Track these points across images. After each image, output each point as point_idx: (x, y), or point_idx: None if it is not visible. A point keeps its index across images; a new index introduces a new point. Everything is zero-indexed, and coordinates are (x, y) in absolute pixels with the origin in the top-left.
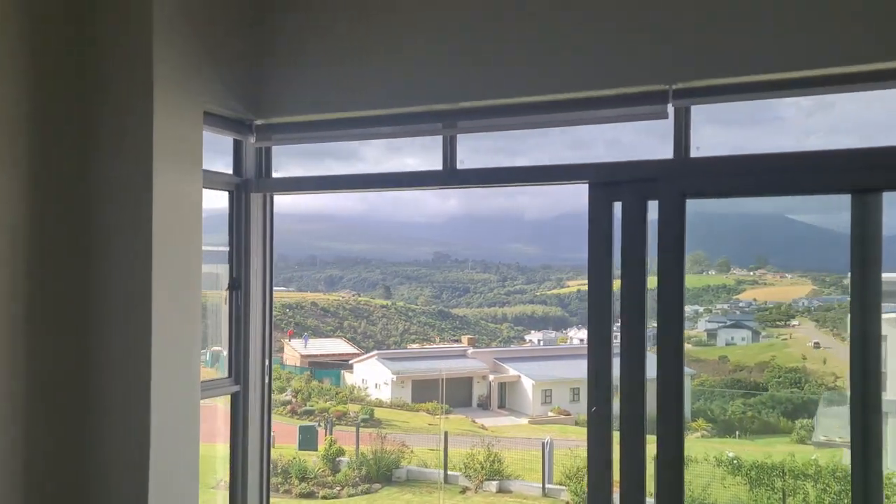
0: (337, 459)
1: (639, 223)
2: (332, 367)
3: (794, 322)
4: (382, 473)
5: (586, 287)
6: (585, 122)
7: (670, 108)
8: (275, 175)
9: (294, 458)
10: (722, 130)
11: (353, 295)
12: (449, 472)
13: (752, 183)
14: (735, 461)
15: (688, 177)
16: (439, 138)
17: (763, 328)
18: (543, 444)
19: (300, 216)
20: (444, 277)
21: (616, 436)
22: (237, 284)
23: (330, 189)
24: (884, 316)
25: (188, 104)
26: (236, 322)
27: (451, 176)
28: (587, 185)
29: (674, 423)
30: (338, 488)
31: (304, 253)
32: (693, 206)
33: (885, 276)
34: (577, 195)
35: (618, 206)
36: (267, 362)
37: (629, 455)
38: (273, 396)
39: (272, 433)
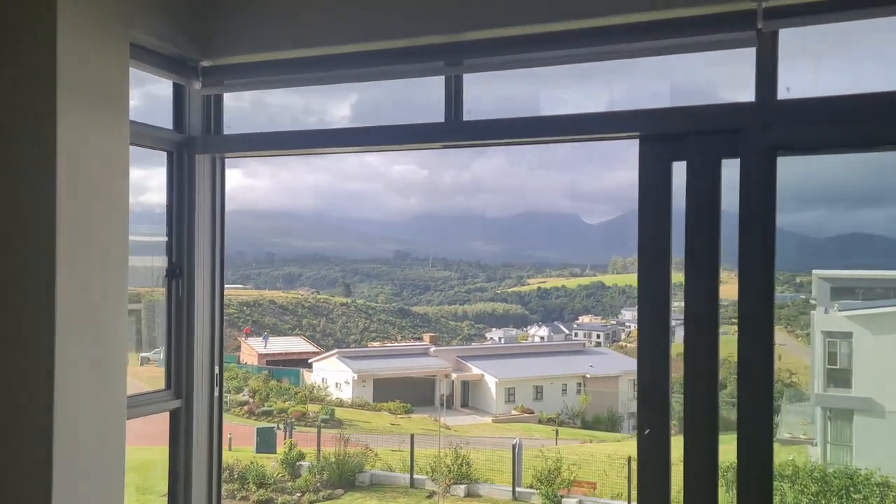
0: (297, 464)
1: (710, 189)
2: (291, 365)
3: None
4: (345, 478)
5: (547, 285)
6: (643, 53)
7: (757, 33)
8: (227, 132)
9: (251, 463)
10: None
11: (313, 293)
12: (415, 476)
13: (866, 132)
14: None
15: (779, 125)
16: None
17: (721, 325)
18: (514, 445)
19: (258, 213)
20: (405, 275)
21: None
22: (177, 272)
23: (300, 148)
24: (849, 313)
25: (108, 29)
26: (176, 319)
27: (454, 129)
28: (636, 141)
29: (762, 424)
30: (298, 494)
31: (262, 250)
32: None
33: (860, 272)
34: (540, 193)
35: (679, 167)
36: (217, 369)
37: (696, 472)
38: (229, 397)
39: (228, 435)
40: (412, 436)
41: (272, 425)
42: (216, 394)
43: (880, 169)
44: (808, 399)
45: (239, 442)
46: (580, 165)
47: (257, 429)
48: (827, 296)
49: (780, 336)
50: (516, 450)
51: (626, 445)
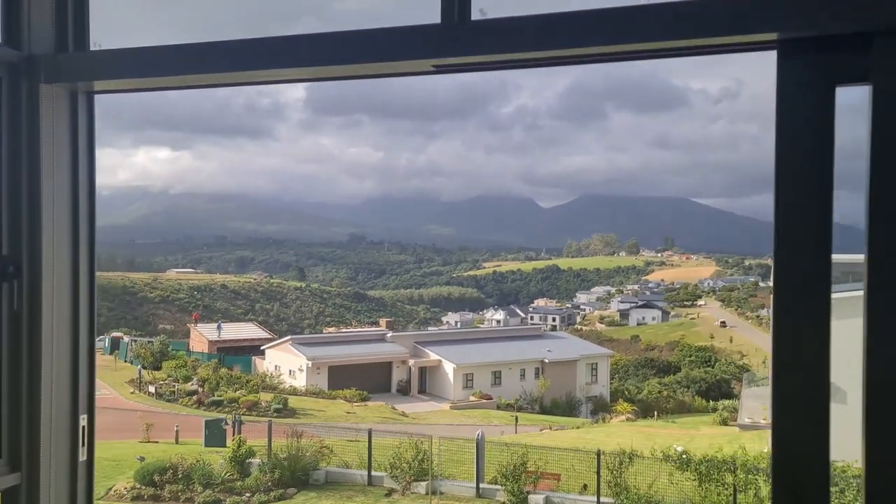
0: (247, 461)
1: None
2: (243, 353)
3: (701, 302)
4: (298, 476)
5: (502, 269)
6: None
7: None
8: (95, 48)
9: (197, 461)
10: None
11: (266, 277)
12: (373, 473)
13: None
14: (684, 456)
15: None
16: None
17: (672, 308)
18: (477, 442)
19: (208, 195)
20: (360, 259)
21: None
22: (8, 271)
23: (212, 72)
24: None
25: None
26: (8, 346)
27: (458, 34)
28: (774, 52)
29: None
30: (247, 495)
31: (213, 233)
32: (602, 188)
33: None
34: (496, 177)
35: (846, 94)
36: (83, 421)
37: None
38: (178, 386)
39: (175, 427)
40: (370, 431)
41: (221, 417)
42: (82, 459)
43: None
44: (766, 383)
45: (187, 434)
46: (536, 149)
47: (206, 421)
48: None
49: (731, 318)
50: (479, 443)
51: (588, 432)
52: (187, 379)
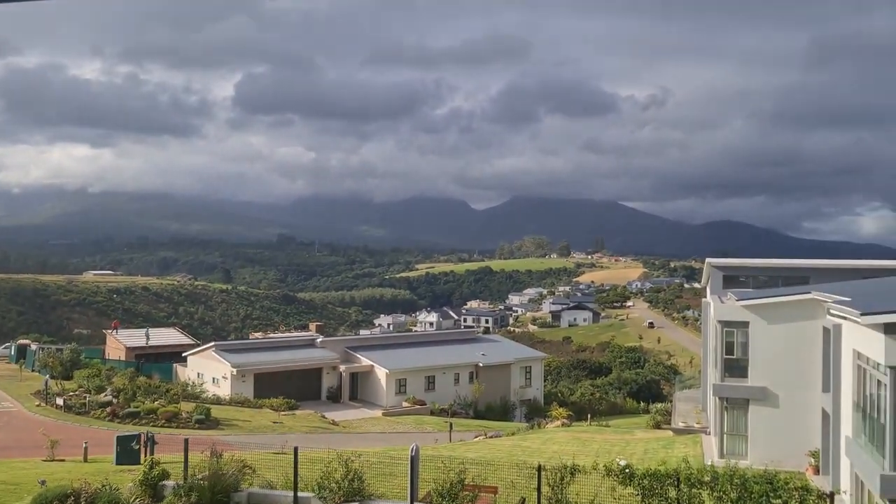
0: (160, 484)
1: None
2: (164, 360)
3: (630, 303)
4: (218, 499)
5: (435, 270)
6: None
7: None
8: None
9: (104, 485)
10: None
11: (190, 279)
12: (300, 494)
13: None
14: (627, 470)
15: None
16: None
17: (602, 309)
18: (412, 457)
19: (130, 195)
20: (290, 260)
21: None
22: None
23: None
24: (746, 302)
25: None
26: None
27: None
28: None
29: None
30: None
31: (135, 234)
32: (534, 191)
33: (748, 261)
34: (430, 178)
35: None
36: None
37: None
38: (89, 398)
39: (84, 444)
40: (295, 449)
41: (136, 432)
42: None
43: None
44: (697, 385)
45: (98, 450)
46: (469, 151)
47: (117, 437)
48: (720, 284)
49: (659, 319)
50: (413, 459)
51: (525, 439)
52: (100, 389)
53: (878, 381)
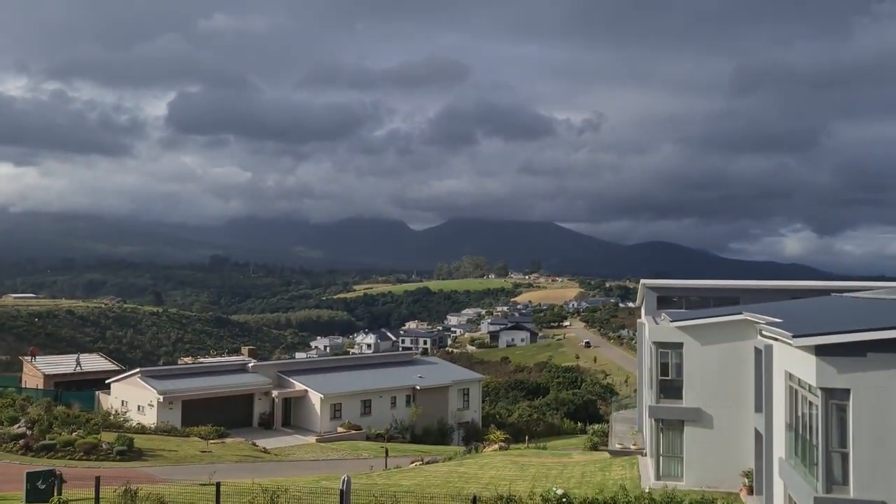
0: None
1: None
2: (86, 388)
3: (567, 323)
4: None
5: (373, 291)
6: None
7: None
8: None
9: None
10: None
11: (118, 301)
12: None
13: None
14: (564, 500)
15: None
16: None
17: (540, 329)
18: (341, 491)
19: (55, 215)
20: (223, 282)
21: None
22: None
23: None
24: (680, 323)
25: None
26: None
27: None
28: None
29: None
30: None
31: (59, 255)
32: (471, 212)
33: (681, 282)
34: (368, 199)
35: None
36: None
37: None
38: (1, 430)
39: None
40: (218, 485)
41: (49, 467)
42: None
43: (680, 182)
44: (633, 406)
45: (7, 487)
46: (408, 173)
47: (27, 473)
48: (654, 304)
49: (595, 338)
50: (343, 492)
51: (461, 465)
52: (13, 420)
53: (810, 403)
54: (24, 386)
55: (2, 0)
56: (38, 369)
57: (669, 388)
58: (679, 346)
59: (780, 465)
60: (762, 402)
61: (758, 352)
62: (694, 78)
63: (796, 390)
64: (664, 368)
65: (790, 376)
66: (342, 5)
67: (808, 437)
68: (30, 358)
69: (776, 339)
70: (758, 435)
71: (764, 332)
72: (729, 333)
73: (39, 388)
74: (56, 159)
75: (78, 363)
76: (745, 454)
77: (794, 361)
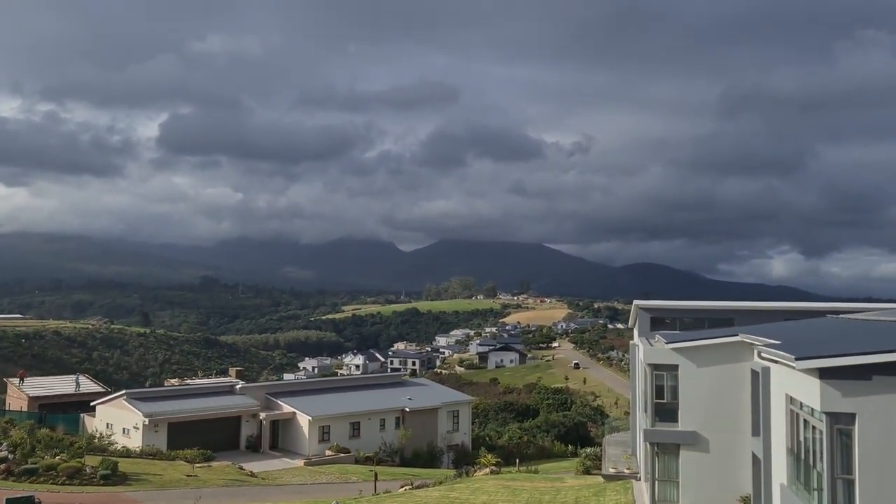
0: None
1: None
2: (71, 409)
3: (556, 344)
4: None
5: (362, 312)
6: None
7: None
8: None
9: None
10: None
11: (106, 322)
12: None
13: None
14: None
15: None
16: None
17: (529, 350)
18: None
19: (44, 236)
20: (212, 302)
21: None
22: None
23: None
24: (674, 345)
25: None
26: None
27: None
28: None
29: None
30: None
31: (48, 276)
32: (461, 233)
33: (675, 303)
34: (358, 220)
35: None
36: None
37: None
38: None
39: None
40: None
41: (29, 493)
42: None
43: (668, 204)
44: (625, 428)
45: None
46: (398, 193)
47: (7, 500)
48: (647, 326)
49: (584, 359)
50: None
51: (452, 489)
52: None
53: (814, 427)
54: (7, 408)
55: None
56: (23, 391)
57: (664, 410)
58: (674, 367)
59: (781, 491)
60: (760, 425)
61: (755, 374)
62: (682, 101)
63: (798, 414)
64: (659, 391)
65: (791, 400)
66: (335, 28)
67: (810, 462)
68: (17, 381)
69: (775, 361)
70: (755, 459)
71: (762, 354)
72: (725, 355)
73: (24, 409)
74: (47, 180)
75: (77, 383)
76: (743, 479)
77: (796, 384)
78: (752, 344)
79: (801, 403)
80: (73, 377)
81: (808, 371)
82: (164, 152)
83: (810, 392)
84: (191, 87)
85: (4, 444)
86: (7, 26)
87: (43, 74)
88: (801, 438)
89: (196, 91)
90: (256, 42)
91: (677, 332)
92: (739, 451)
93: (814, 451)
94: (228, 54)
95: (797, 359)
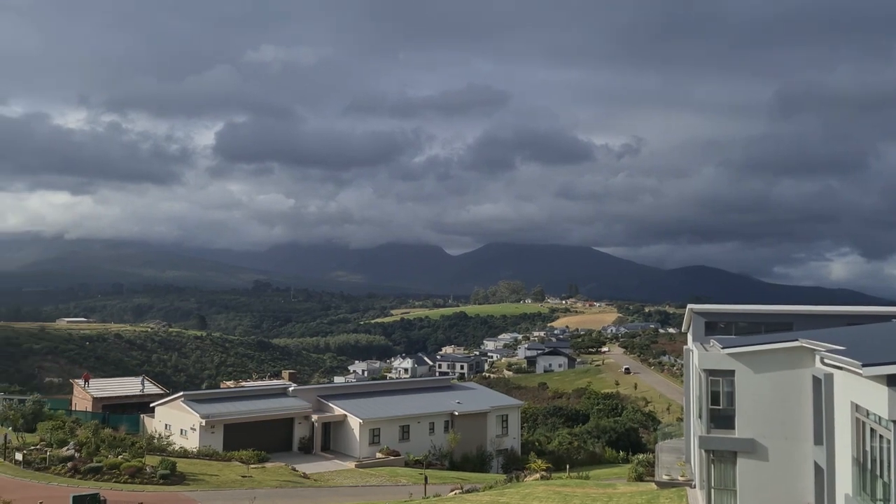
0: None
1: None
2: (132, 410)
3: (605, 349)
4: None
5: (410, 316)
6: None
7: None
8: None
9: None
10: None
11: (164, 325)
12: None
13: None
14: None
15: None
16: None
17: (578, 354)
18: None
19: (106, 242)
20: (265, 306)
21: None
22: None
23: None
24: (730, 350)
25: None
26: None
27: None
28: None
29: None
30: None
31: (110, 281)
32: (509, 237)
33: (730, 307)
34: (406, 224)
35: None
36: None
37: None
38: (49, 452)
39: None
40: None
41: (94, 491)
42: None
43: (720, 206)
44: (678, 435)
45: None
46: (446, 198)
47: (73, 497)
48: (702, 330)
49: (634, 364)
50: None
51: (503, 494)
52: (62, 443)
53: (881, 437)
54: (73, 408)
55: (68, 39)
56: (88, 392)
57: (720, 417)
58: (731, 373)
59: (846, 502)
60: (822, 434)
61: (817, 381)
62: (733, 101)
63: (864, 422)
64: (714, 397)
65: (857, 407)
66: (386, 36)
67: (877, 472)
68: (82, 382)
69: (839, 368)
70: (818, 468)
71: (826, 360)
72: (784, 361)
73: (88, 410)
74: (110, 188)
75: (142, 384)
76: (804, 489)
77: (862, 392)
78: (814, 349)
79: (867, 411)
80: (136, 379)
81: (876, 378)
82: (219, 160)
83: (878, 400)
84: (245, 96)
85: (71, 443)
86: (74, 43)
87: (107, 87)
88: (868, 448)
89: (250, 100)
90: (309, 52)
91: (733, 336)
92: (800, 459)
93: (881, 461)
94: (281, 64)
95: (864, 365)
